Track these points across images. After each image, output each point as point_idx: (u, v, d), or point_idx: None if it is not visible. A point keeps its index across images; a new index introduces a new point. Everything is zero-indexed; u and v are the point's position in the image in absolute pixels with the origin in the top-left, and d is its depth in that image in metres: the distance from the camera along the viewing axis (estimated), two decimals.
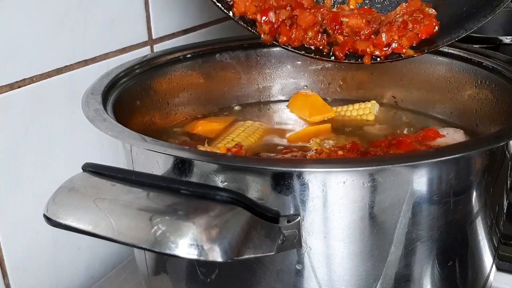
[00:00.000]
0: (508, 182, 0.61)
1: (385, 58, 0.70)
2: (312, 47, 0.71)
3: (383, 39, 0.69)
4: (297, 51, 0.71)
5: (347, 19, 0.69)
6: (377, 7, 0.76)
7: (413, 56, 0.70)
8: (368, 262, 0.54)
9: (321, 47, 0.71)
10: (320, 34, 0.70)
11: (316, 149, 0.72)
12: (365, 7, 0.76)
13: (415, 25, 0.69)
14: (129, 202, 0.47)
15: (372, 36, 0.69)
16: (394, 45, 0.69)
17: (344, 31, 0.70)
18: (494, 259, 0.63)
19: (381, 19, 0.70)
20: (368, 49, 0.69)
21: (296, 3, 0.69)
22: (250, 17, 0.70)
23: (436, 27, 0.70)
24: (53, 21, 0.74)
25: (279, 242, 0.48)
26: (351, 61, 0.71)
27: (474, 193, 0.56)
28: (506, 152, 0.58)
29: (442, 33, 0.70)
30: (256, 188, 0.51)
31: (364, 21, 0.69)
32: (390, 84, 0.89)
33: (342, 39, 0.69)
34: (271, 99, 0.93)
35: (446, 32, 0.70)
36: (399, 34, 0.69)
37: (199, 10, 1.00)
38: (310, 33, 0.69)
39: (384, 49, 0.69)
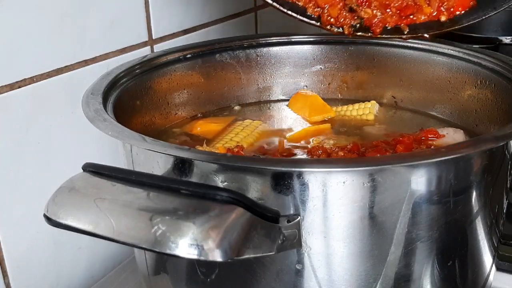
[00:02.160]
0: (508, 182, 0.61)
1: (414, 31, 0.66)
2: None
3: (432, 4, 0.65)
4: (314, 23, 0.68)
5: None
6: None
7: (449, 30, 0.66)
8: (368, 262, 0.54)
9: (344, 27, 0.67)
10: (344, 11, 0.67)
11: (318, 143, 0.72)
12: None
13: None
14: (129, 202, 0.47)
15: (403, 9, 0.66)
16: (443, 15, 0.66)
17: (373, 4, 0.66)
18: (494, 259, 0.63)
19: None
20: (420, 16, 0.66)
21: None
22: None
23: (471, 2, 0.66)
24: (53, 21, 0.74)
25: (279, 242, 0.48)
26: (387, 36, 0.67)
27: (474, 193, 0.56)
28: (506, 152, 0.58)
29: (470, 11, 0.67)
30: (256, 188, 0.51)
31: None
32: (390, 84, 0.89)
33: (371, 13, 0.66)
34: (271, 99, 0.93)
35: (474, 10, 0.67)
36: (441, 3, 0.66)
37: (199, 10, 1.00)
38: (333, 12, 0.66)
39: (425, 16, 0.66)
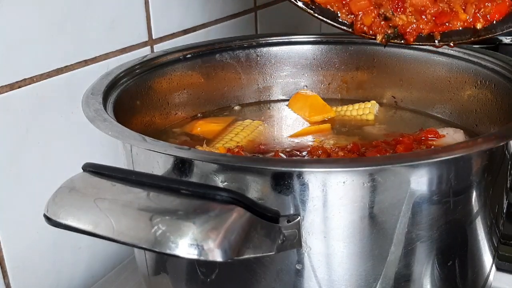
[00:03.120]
0: (508, 182, 0.61)
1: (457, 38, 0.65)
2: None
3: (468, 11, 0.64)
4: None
5: None
6: None
7: (484, 38, 0.65)
8: (368, 262, 0.54)
9: (377, 36, 0.66)
10: (378, 20, 0.65)
11: (318, 143, 0.72)
12: None
13: (487, 3, 0.64)
14: (129, 202, 0.47)
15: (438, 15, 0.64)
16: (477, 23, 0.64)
17: (408, 10, 0.65)
18: (494, 259, 0.63)
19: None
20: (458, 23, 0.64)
21: None
22: None
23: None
24: (53, 21, 0.74)
25: (279, 242, 0.48)
26: (421, 44, 0.66)
27: (474, 193, 0.56)
28: (506, 152, 0.58)
29: (505, 19, 0.65)
30: (256, 188, 0.51)
31: None
32: (390, 84, 0.89)
33: (406, 20, 0.65)
34: (271, 99, 0.93)
35: (509, 17, 0.65)
36: (478, 9, 0.64)
37: (199, 10, 1.00)
38: (366, 20, 0.64)
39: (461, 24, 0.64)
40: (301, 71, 0.92)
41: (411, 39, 0.66)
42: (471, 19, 0.65)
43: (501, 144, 0.56)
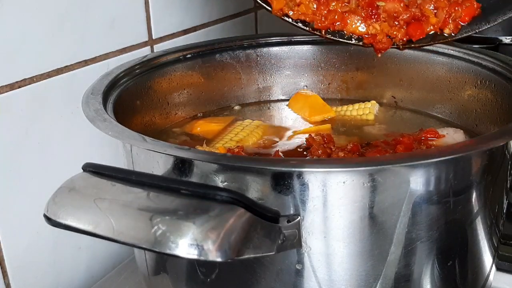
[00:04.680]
0: (508, 182, 0.61)
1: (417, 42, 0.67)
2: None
3: (439, 16, 0.65)
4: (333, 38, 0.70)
5: (383, 3, 0.67)
6: None
7: (443, 42, 0.67)
8: (368, 262, 0.54)
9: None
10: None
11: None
12: None
13: (456, 7, 0.66)
14: (129, 202, 0.47)
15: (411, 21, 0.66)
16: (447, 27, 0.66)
17: (381, 16, 0.67)
18: (494, 259, 0.63)
19: (418, 3, 0.67)
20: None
21: None
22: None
23: (478, 9, 0.66)
24: (53, 21, 0.74)
25: (279, 242, 0.48)
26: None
27: (474, 193, 0.56)
28: (506, 152, 0.58)
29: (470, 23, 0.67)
30: (256, 188, 0.51)
31: (402, 5, 0.67)
32: (390, 84, 0.89)
33: (379, 29, 0.66)
34: (271, 99, 0.93)
35: (475, 21, 0.67)
36: (448, 14, 0.66)
37: (199, 10, 1.00)
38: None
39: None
40: (301, 71, 0.92)
41: (381, 53, 0.67)
42: (440, 24, 0.67)
43: (501, 144, 0.56)
